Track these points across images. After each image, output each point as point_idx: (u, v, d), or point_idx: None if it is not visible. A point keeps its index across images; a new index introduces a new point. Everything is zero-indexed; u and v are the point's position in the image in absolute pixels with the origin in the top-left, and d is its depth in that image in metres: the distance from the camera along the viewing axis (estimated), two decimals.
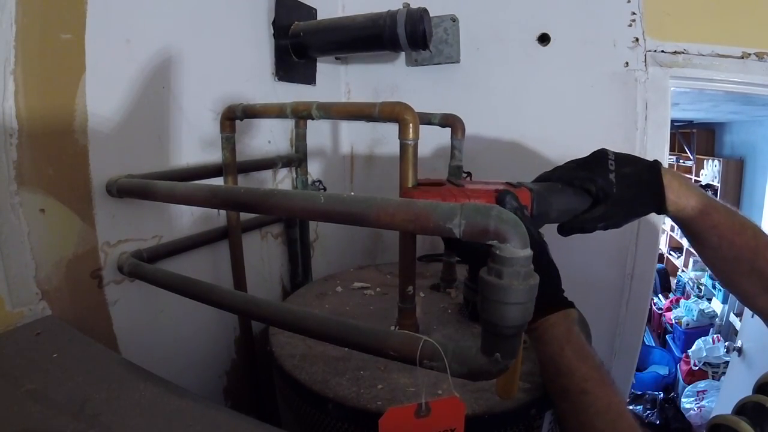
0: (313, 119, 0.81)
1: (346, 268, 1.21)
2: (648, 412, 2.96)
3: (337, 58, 1.44)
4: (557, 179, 0.66)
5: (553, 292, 0.59)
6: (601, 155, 0.65)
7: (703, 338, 3.23)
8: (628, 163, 0.65)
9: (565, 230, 0.67)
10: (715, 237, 0.65)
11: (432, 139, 1.26)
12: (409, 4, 1.07)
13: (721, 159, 4.89)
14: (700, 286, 4.08)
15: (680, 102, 2.93)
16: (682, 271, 4.59)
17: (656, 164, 0.65)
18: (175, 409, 0.52)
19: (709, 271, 0.74)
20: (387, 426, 0.46)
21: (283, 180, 1.26)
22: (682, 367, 3.18)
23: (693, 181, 5.48)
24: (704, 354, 3.06)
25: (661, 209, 0.64)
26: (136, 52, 0.83)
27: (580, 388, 0.54)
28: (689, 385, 2.98)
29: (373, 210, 0.44)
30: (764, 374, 0.52)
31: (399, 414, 0.47)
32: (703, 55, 1.09)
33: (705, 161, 5.26)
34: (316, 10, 1.28)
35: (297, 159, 1.23)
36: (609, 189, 0.62)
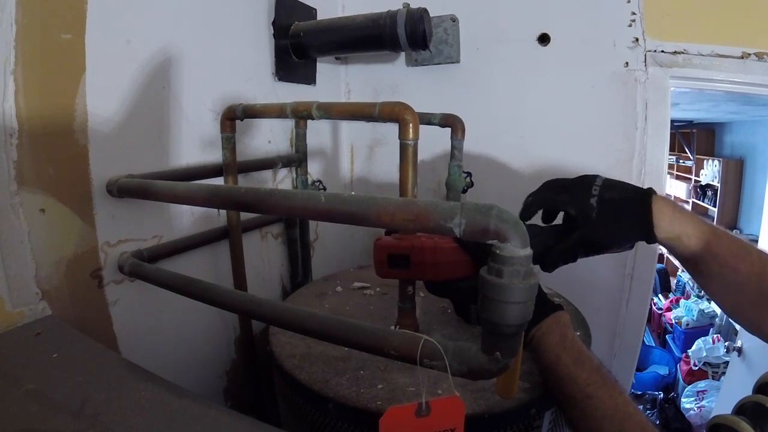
0: (313, 119, 0.81)
1: (346, 268, 1.21)
2: (648, 412, 2.96)
3: (337, 58, 1.44)
4: (540, 201, 0.64)
5: (539, 299, 0.58)
6: (587, 179, 0.62)
7: (703, 338, 3.23)
8: (614, 188, 0.61)
9: (546, 265, 0.63)
10: (716, 266, 0.60)
11: (432, 139, 1.26)
12: (409, 4, 1.07)
13: (721, 159, 4.89)
14: None
15: (680, 102, 2.93)
16: (682, 271, 4.59)
17: (649, 191, 0.61)
18: (175, 409, 0.52)
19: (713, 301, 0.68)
20: (387, 425, 0.46)
21: (283, 180, 1.26)
22: (682, 367, 3.17)
23: (693, 181, 5.48)
24: (704, 354, 3.06)
25: (650, 237, 0.59)
26: (136, 52, 0.83)
27: (584, 394, 0.54)
28: (689, 385, 2.98)
29: (373, 210, 0.44)
30: (764, 374, 0.52)
31: (399, 413, 0.47)
32: (703, 55, 1.09)
33: (705, 161, 5.26)
34: (316, 10, 1.28)
35: (297, 159, 1.23)
36: (588, 213, 0.59)
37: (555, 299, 0.99)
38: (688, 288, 4.24)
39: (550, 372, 0.59)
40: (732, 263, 0.59)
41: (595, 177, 0.63)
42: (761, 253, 0.60)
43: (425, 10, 1.06)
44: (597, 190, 0.60)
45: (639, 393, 3.07)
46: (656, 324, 4.04)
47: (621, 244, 0.62)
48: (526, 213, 0.64)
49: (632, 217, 0.59)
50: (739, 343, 1.86)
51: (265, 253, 1.21)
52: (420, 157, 0.72)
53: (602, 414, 0.52)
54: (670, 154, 1.26)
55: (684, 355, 3.27)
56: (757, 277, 0.58)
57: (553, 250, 0.62)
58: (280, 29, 1.17)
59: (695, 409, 2.77)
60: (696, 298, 3.90)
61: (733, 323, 3.17)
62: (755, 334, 0.63)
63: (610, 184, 0.61)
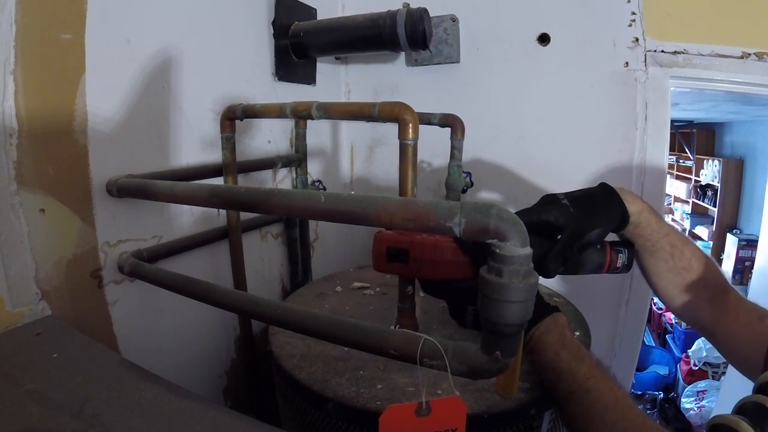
0: (313, 119, 0.81)
1: (346, 268, 1.21)
2: (648, 412, 2.96)
3: (337, 58, 1.44)
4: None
5: (536, 301, 0.58)
6: (549, 196, 0.66)
7: (703, 338, 3.23)
8: (576, 192, 0.66)
9: (548, 270, 0.62)
10: (668, 245, 0.66)
11: (432, 139, 1.26)
12: (409, 4, 1.07)
13: (721, 159, 4.89)
14: None
15: (680, 102, 2.93)
16: None
17: (603, 184, 0.67)
18: (175, 409, 0.52)
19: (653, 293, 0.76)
20: (387, 424, 0.46)
21: (283, 180, 1.26)
22: (682, 367, 3.18)
23: (693, 181, 5.48)
24: (704, 354, 3.06)
25: (624, 215, 0.64)
26: (136, 52, 0.83)
27: (584, 388, 0.54)
28: (689, 385, 2.98)
29: (373, 209, 0.44)
30: (764, 374, 0.52)
31: (399, 412, 0.47)
32: (703, 55, 1.09)
33: (705, 161, 5.26)
34: (316, 10, 1.28)
35: (297, 159, 1.23)
36: (566, 210, 0.62)
37: (554, 299, 0.99)
38: None
39: (549, 370, 0.59)
40: (680, 245, 0.66)
41: (554, 194, 0.66)
42: (695, 245, 0.69)
43: (425, 10, 1.06)
44: (562, 196, 0.64)
45: (639, 393, 3.08)
46: (656, 324, 4.04)
47: (607, 225, 0.64)
48: None
49: (604, 198, 0.65)
50: None
51: (265, 253, 1.21)
52: (420, 157, 0.72)
53: (603, 405, 0.53)
54: (670, 154, 1.26)
55: (684, 355, 3.27)
56: (700, 262, 0.66)
57: (551, 254, 0.62)
58: (280, 29, 1.17)
59: (695, 409, 2.77)
60: None
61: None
62: (686, 319, 0.70)
63: (571, 192, 0.66)
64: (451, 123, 1.09)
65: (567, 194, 0.64)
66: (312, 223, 1.35)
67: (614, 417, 0.51)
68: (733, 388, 2.02)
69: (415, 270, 0.61)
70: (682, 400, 2.92)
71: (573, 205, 0.62)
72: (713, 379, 2.96)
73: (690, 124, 5.31)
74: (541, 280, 0.49)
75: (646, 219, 0.65)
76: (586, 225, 0.62)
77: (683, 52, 1.11)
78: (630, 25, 1.14)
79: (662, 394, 3.09)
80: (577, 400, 0.55)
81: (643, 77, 1.14)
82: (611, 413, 0.52)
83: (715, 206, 4.89)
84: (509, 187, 1.32)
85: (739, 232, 4.48)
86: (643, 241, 0.67)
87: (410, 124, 0.69)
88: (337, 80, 1.47)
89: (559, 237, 0.62)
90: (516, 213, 0.63)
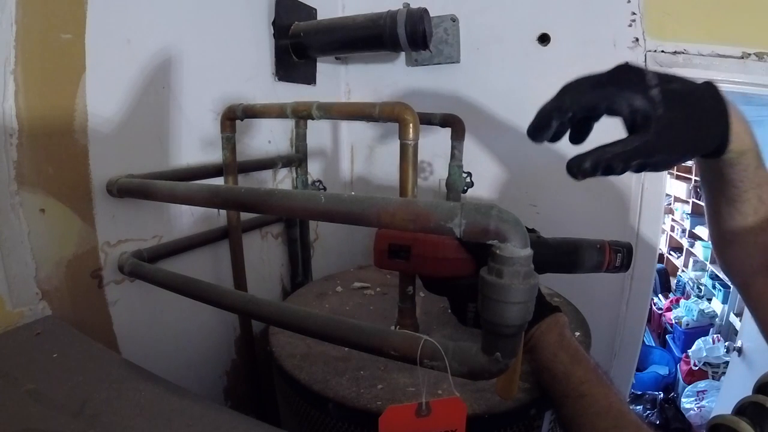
0: (313, 119, 0.81)
1: (346, 268, 1.21)
2: (648, 412, 2.96)
3: (337, 58, 1.44)
4: (569, 104, 0.46)
5: (537, 300, 0.56)
6: (631, 67, 0.43)
7: (703, 338, 3.23)
8: (673, 79, 0.43)
9: (580, 170, 0.46)
10: (755, 198, 0.48)
11: (432, 139, 1.26)
12: (409, 4, 1.07)
13: None
14: (700, 286, 4.08)
15: None
16: (682, 271, 4.59)
17: (711, 84, 0.44)
18: (175, 409, 0.52)
19: (713, 243, 0.54)
20: (387, 424, 0.46)
21: (283, 180, 1.26)
22: (682, 367, 3.17)
23: (693, 181, 5.50)
24: (704, 354, 3.05)
25: (723, 145, 0.43)
26: (137, 52, 0.83)
27: (578, 392, 0.54)
28: (689, 385, 2.98)
29: (373, 210, 0.44)
30: (764, 374, 0.52)
31: (399, 412, 0.47)
32: (703, 55, 1.09)
33: None
34: (316, 10, 1.28)
35: (297, 159, 1.23)
36: (651, 109, 0.41)
37: (554, 299, 0.99)
38: (688, 288, 4.24)
39: (546, 370, 0.58)
40: (766, 199, 0.49)
41: (638, 65, 0.44)
42: None
43: (425, 10, 1.06)
44: (655, 80, 0.42)
45: (639, 393, 3.07)
46: (656, 324, 4.04)
47: (693, 151, 0.44)
48: (543, 122, 0.46)
49: (708, 113, 0.43)
50: (739, 343, 1.86)
51: (265, 253, 1.21)
52: (420, 157, 0.72)
53: (596, 411, 0.52)
54: None
55: (684, 355, 3.27)
56: None
57: (600, 152, 0.45)
58: (280, 29, 1.17)
59: (695, 409, 2.77)
60: (696, 298, 3.90)
61: (733, 323, 3.17)
62: (737, 279, 0.56)
63: (665, 74, 0.43)
64: (452, 123, 1.09)
65: (660, 77, 0.42)
66: (312, 223, 1.35)
67: (606, 424, 0.50)
68: (733, 388, 2.02)
69: (416, 267, 0.61)
70: (682, 400, 2.92)
71: (665, 104, 0.41)
72: (713, 379, 2.96)
73: None
74: (542, 280, 0.47)
75: (745, 163, 0.46)
76: (666, 146, 0.41)
77: (683, 52, 1.10)
78: (630, 25, 1.13)
79: (662, 394, 3.09)
80: (571, 404, 0.54)
81: None
82: (603, 420, 0.51)
83: None
84: (509, 187, 1.32)
85: None
86: (727, 186, 0.49)
87: (410, 124, 0.69)
88: (337, 80, 1.47)
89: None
90: (565, 86, 0.46)
